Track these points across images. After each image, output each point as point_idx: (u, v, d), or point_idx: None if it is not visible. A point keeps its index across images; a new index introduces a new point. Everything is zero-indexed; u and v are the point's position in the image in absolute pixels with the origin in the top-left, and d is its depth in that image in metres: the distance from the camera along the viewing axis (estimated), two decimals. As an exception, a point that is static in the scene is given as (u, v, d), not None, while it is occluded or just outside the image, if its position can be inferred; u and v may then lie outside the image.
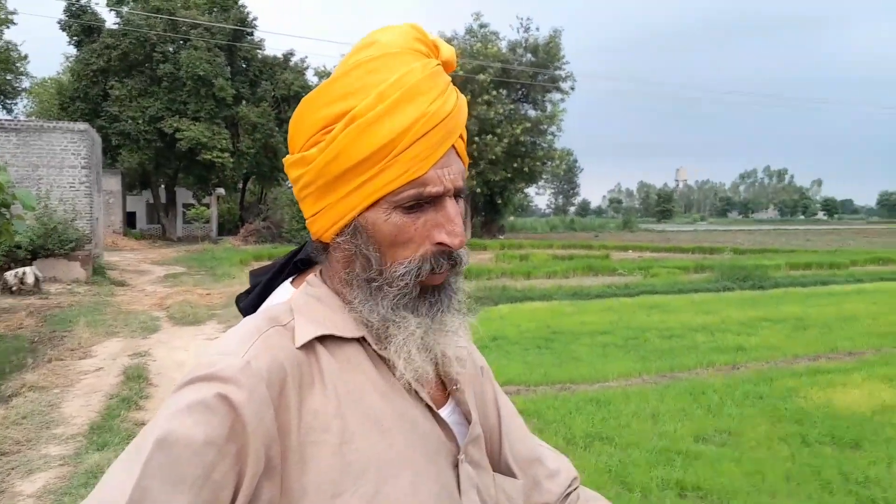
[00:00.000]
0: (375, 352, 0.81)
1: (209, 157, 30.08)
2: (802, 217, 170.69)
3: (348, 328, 0.80)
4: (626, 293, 13.78)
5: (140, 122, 30.19)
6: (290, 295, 1.54)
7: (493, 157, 32.87)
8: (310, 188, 0.80)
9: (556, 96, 36.91)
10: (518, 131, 33.10)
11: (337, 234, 0.81)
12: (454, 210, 0.79)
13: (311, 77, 36.98)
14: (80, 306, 11.17)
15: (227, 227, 39.03)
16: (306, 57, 36.87)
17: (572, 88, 37.09)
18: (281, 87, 33.52)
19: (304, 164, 0.80)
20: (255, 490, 0.69)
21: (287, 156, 0.85)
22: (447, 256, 0.79)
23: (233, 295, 11.96)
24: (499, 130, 33.17)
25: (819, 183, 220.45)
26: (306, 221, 0.85)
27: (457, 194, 0.81)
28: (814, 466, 4.38)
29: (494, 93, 33.29)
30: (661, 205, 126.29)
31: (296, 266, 1.62)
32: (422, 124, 0.76)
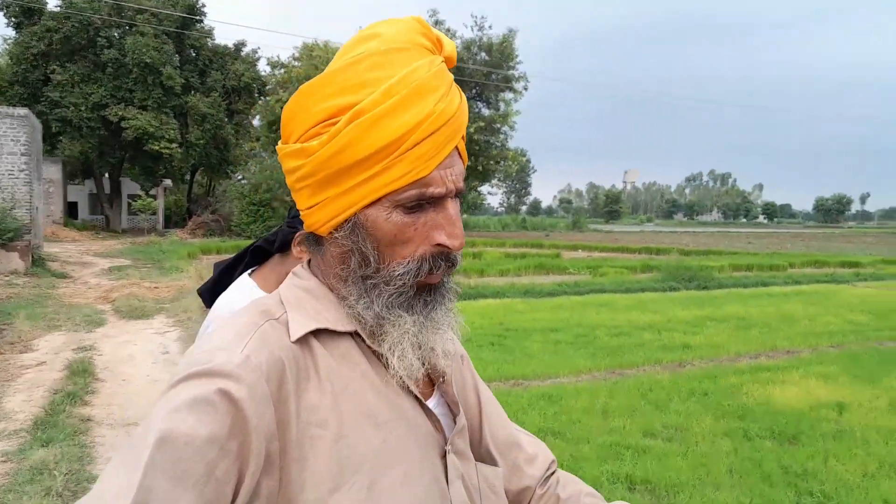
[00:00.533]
0: (368, 346, 0.81)
1: (156, 147, 29.31)
2: (744, 220, 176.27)
3: (341, 322, 0.80)
4: (577, 291, 14.02)
5: (83, 108, 29.20)
6: (245, 284, 1.53)
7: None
8: (307, 180, 0.79)
9: (510, 96, 37.20)
10: (472, 130, 33.23)
11: (334, 229, 0.80)
12: (455, 212, 0.79)
13: (263, 68, 36.40)
14: (19, 299, 10.77)
15: (174, 220, 38.13)
16: (259, 48, 36.22)
17: (525, 89, 37.46)
18: (232, 77, 32.89)
19: (303, 155, 0.78)
20: (255, 486, 0.69)
21: (279, 143, 0.83)
22: (445, 257, 0.79)
23: (181, 288, 11.72)
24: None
25: (760, 188, 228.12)
26: (300, 212, 0.84)
27: (457, 195, 0.80)
28: (755, 460, 4.56)
29: (449, 90, 33.33)
30: (610, 206, 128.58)
31: (253, 256, 1.63)
32: (429, 123, 0.75)
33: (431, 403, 0.87)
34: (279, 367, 0.72)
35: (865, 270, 20.63)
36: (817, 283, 17.06)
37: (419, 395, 0.84)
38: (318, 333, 0.78)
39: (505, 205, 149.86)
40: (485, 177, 35.60)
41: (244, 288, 1.52)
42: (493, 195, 49.05)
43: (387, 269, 0.78)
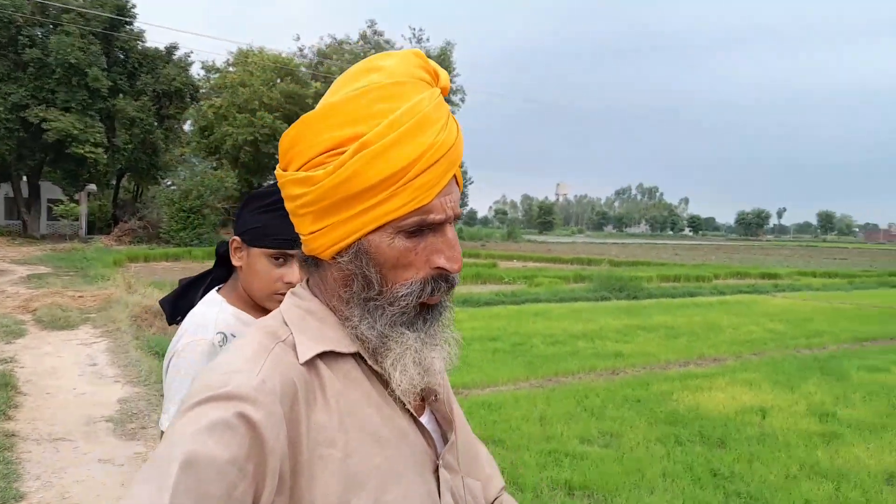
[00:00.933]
0: (369, 367, 0.84)
1: (81, 150, 28.07)
2: (671, 232, 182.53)
3: (344, 343, 0.83)
4: (513, 301, 14.22)
5: (0, 109, 27.76)
6: (214, 299, 1.53)
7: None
8: (310, 207, 0.81)
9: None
10: (408, 139, 33.33)
11: (337, 254, 0.82)
12: (454, 236, 0.83)
13: (197, 71, 35.54)
14: (-72, 308, 10.14)
15: (99, 226, 36.61)
16: (191, 52, 35.16)
17: (462, 101, 37.85)
18: (163, 81, 31.90)
19: (307, 183, 0.80)
20: None
21: (278, 169, 0.86)
22: (445, 279, 0.82)
23: (108, 297, 11.28)
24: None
25: (686, 201, 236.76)
26: (301, 237, 0.86)
27: (455, 220, 0.84)
28: (686, 464, 4.74)
29: (386, 100, 33.35)
30: (543, 217, 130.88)
31: (219, 269, 1.63)
32: (431, 154, 0.78)
33: (424, 420, 0.91)
34: (292, 389, 0.75)
35: (783, 282, 21.71)
36: (740, 294, 17.84)
37: (415, 414, 0.87)
38: (322, 354, 0.81)
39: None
40: (421, 187, 35.68)
41: (213, 303, 1.54)
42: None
43: (390, 292, 0.81)
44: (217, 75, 37.16)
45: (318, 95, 33.47)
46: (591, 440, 5.26)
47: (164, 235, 28.75)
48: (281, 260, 1.50)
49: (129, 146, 30.84)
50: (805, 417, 5.99)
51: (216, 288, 1.61)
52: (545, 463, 4.70)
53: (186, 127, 38.19)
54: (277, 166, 0.86)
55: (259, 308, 1.55)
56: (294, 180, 0.81)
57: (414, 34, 36.42)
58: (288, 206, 0.85)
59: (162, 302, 1.66)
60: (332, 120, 0.79)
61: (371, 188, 0.77)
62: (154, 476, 0.66)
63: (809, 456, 5.00)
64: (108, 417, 5.35)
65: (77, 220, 32.60)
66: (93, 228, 35.92)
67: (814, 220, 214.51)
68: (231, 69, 37.35)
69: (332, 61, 34.38)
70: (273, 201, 1.46)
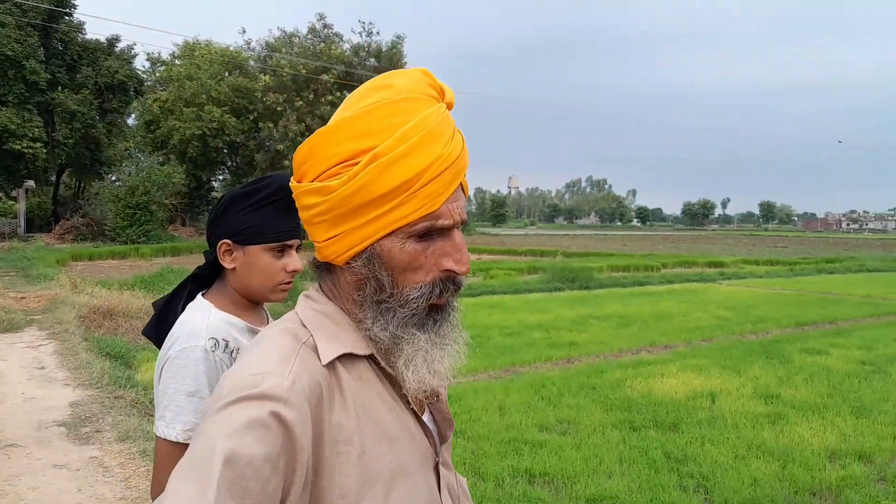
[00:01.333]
0: (381, 368, 0.89)
1: (18, 146, 27.03)
2: (619, 223, 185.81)
3: (360, 345, 0.88)
4: (469, 293, 14.31)
5: (-69, 103, 26.52)
6: (202, 304, 1.52)
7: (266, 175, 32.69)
8: (325, 216, 0.86)
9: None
10: (361, 133, 33.08)
11: (351, 259, 0.87)
12: (461, 240, 0.89)
13: (142, 63, 34.56)
14: None
15: (38, 224, 35.30)
16: (134, 44, 34.23)
17: (414, 94, 37.74)
18: (104, 74, 30.88)
19: (322, 193, 0.85)
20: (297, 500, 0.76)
21: (293, 181, 0.90)
22: (453, 281, 0.88)
23: (54, 298, 10.94)
24: (342, 131, 32.92)
25: (634, 193, 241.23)
26: (315, 244, 0.91)
27: (462, 225, 0.90)
28: (641, 449, 4.89)
29: (338, 94, 33.06)
30: (496, 210, 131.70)
31: (196, 283, 1.62)
32: (438, 164, 0.84)
33: (424, 419, 0.95)
34: (318, 389, 0.80)
35: (729, 270, 22.37)
36: (688, 282, 18.33)
37: (419, 413, 0.93)
38: (340, 356, 0.86)
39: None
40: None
41: (202, 308, 1.52)
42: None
43: (401, 294, 0.86)
44: (163, 68, 36.19)
45: (268, 89, 32.99)
46: (550, 428, 5.37)
47: (110, 233, 27.95)
48: (281, 252, 1.51)
49: (70, 141, 29.79)
50: (752, 400, 6.23)
51: (201, 293, 1.60)
52: (506, 452, 4.78)
53: (130, 121, 37.11)
54: (292, 178, 0.92)
55: (250, 308, 1.56)
56: (309, 190, 0.87)
57: (364, 28, 36.18)
58: (303, 215, 0.90)
59: (145, 332, 1.66)
60: (346, 133, 0.84)
61: (383, 196, 0.83)
62: (195, 475, 0.69)
63: (757, 436, 5.21)
64: (61, 422, 5.22)
65: (15, 217, 31.41)
66: (32, 226, 34.61)
67: (756, 210, 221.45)
68: (177, 62, 36.43)
69: (281, 55, 33.85)
70: (262, 198, 1.48)
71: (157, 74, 36.30)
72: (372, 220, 0.84)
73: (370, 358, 0.89)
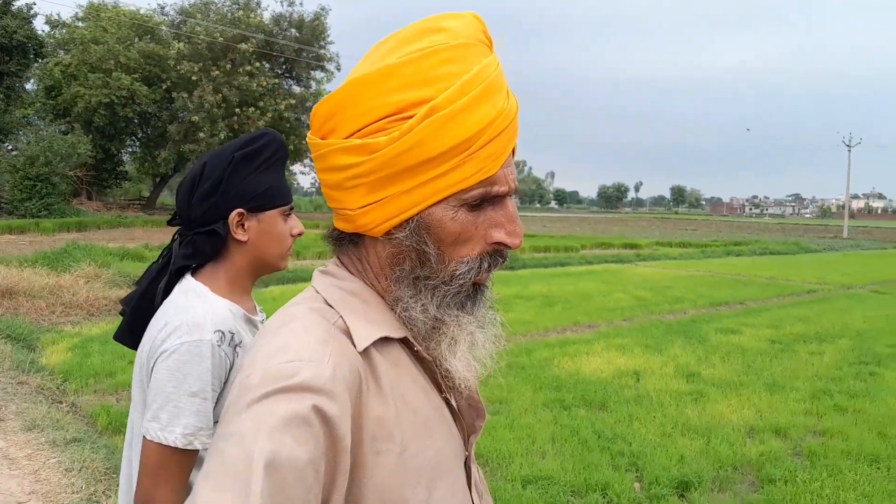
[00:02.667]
0: (415, 352, 0.79)
1: None
2: (538, 205, 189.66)
3: (395, 327, 0.78)
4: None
5: None
6: (192, 287, 1.32)
7: (256, 131, 31.55)
8: (366, 178, 0.74)
9: (321, 75, 36.48)
10: (282, 107, 32.16)
11: (394, 228, 0.76)
12: (514, 210, 0.79)
13: (41, 26, 32.21)
14: None
15: (-76, 195, 32.62)
16: (34, 3, 31.75)
17: (338, 69, 36.92)
18: (1, 34, 28.66)
19: (364, 151, 0.73)
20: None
21: (313, 138, 0.78)
22: (501, 255, 0.79)
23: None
24: (261, 104, 31.92)
25: (552, 175, 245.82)
26: (344, 213, 0.78)
27: (514, 193, 0.81)
28: (573, 428, 4.94)
29: (257, 64, 31.91)
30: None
31: (179, 275, 1.39)
32: (499, 122, 0.74)
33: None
34: (357, 379, 0.71)
35: (644, 251, 23.17)
36: (606, 263, 18.86)
37: (454, 403, 0.84)
38: (375, 341, 0.76)
39: (316, 185, 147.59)
40: (296, 156, 34.64)
41: (198, 293, 1.31)
42: (305, 175, 47.87)
43: (448, 269, 0.77)
44: (64, 31, 33.87)
45: (182, 57, 31.46)
46: (482, 409, 5.34)
47: (7, 206, 26.12)
48: (287, 215, 1.39)
49: (-39, 105, 27.59)
50: (674, 378, 6.42)
51: (189, 272, 1.37)
52: (439, 434, 4.72)
53: (29, 86, 34.64)
54: (311, 135, 0.78)
55: (246, 293, 1.39)
56: (345, 149, 0.74)
57: (286, -3, 34.94)
58: (329, 178, 0.78)
59: (117, 337, 1.43)
60: (394, 82, 0.72)
61: (439, 156, 0.72)
62: (231, 481, 0.58)
63: (681, 414, 5.36)
64: (-45, 409, 4.79)
65: None
66: (-83, 197, 31.96)
67: (667, 194, 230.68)
68: (80, 24, 34.18)
69: (196, 20, 32.29)
70: (269, 156, 1.34)
71: (57, 38, 33.91)
72: (423, 184, 0.73)
73: (402, 341, 0.79)
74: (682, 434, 4.92)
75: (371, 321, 0.76)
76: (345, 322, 0.74)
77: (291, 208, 1.41)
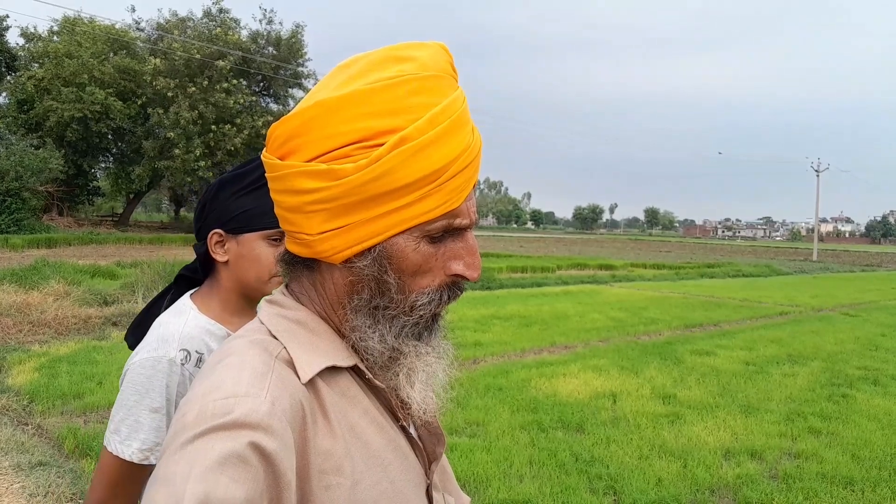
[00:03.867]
0: (365, 381, 0.78)
1: None
2: (515, 225, 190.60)
3: (341, 356, 0.76)
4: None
5: None
6: (185, 306, 1.34)
7: (232, 149, 31.36)
8: (328, 203, 0.72)
9: (299, 93, 36.43)
10: (259, 124, 32.02)
11: (355, 256, 0.75)
12: (475, 242, 0.79)
13: (14, 39, 31.79)
14: None
15: None
16: (6, 15, 31.40)
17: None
18: (-29, 46, 28.27)
19: (330, 177, 0.71)
20: None
21: (271, 158, 0.76)
22: (459, 287, 0.79)
23: None
24: (238, 121, 31.76)
25: (529, 196, 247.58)
26: (301, 237, 0.76)
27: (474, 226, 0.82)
28: (550, 450, 4.91)
29: (235, 81, 31.79)
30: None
31: (178, 287, 1.44)
32: (466, 156, 0.75)
33: (415, 435, 0.86)
34: (300, 412, 0.68)
35: (619, 272, 23.33)
36: (582, 284, 18.92)
37: (413, 433, 0.82)
38: (321, 371, 0.74)
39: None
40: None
41: (182, 311, 1.34)
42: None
43: (406, 300, 0.76)
44: (39, 44, 33.46)
45: (158, 72, 31.23)
46: (459, 431, 5.30)
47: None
48: (277, 240, 1.38)
49: (-71, 118, 27.06)
50: (651, 400, 6.43)
51: (190, 292, 1.41)
52: (416, 457, 4.66)
53: (1, 100, 34.13)
54: (266, 153, 0.76)
55: (241, 314, 1.39)
56: (308, 172, 0.72)
57: (265, 14, 34.98)
58: (289, 201, 0.75)
59: (126, 337, 1.47)
60: (363, 109, 0.71)
61: (406, 187, 0.72)
62: None
63: (658, 436, 5.36)
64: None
65: None
66: None
67: (641, 216, 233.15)
68: (55, 38, 33.82)
69: (173, 37, 32.13)
70: (255, 179, 1.34)
71: (31, 51, 33.50)
72: (388, 214, 0.73)
73: (353, 370, 0.78)
74: (660, 456, 4.92)
75: (317, 351, 0.74)
76: (289, 353, 0.73)
77: (282, 233, 1.41)
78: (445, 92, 0.75)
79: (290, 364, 0.72)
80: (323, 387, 0.73)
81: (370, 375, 0.77)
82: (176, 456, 0.59)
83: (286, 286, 0.83)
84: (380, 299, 0.76)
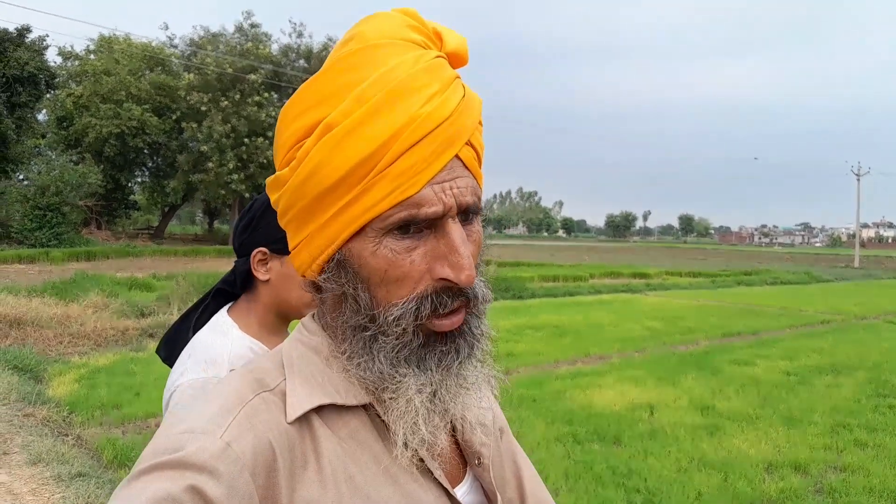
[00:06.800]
0: (383, 420, 0.67)
1: (-86, 139, 25.14)
2: (546, 234, 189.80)
3: (352, 392, 0.66)
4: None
5: None
6: (222, 322, 1.32)
7: (265, 161, 31.83)
8: (287, 215, 0.68)
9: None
10: (290, 137, 32.45)
11: (320, 271, 0.68)
12: (458, 236, 0.64)
13: (53, 57, 32.75)
14: None
15: (-64, 224, 32.89)
16: (47, 35, 32.31)
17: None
18: (13, 66, 29.09)
19: (278, 185, 0.67)
20: None
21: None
22: (453, 294, 0.64)
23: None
24: (270, 134, 32.20)
25: (561, 204, 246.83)
26: (291, 253, 0.72)
27: (466, 213, 0.66)
28: (586, 463, 4.82)
29: (266, 95, 32.29)
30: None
31: (216, 301, 1.43)
32: (411, 131, 0.61)
33: (461, 491, 0.73)
34: (267, 455, 0.60)
35: (653, 281, 23.01)
36: (616, 293, 18.70)
37: (446, 484, 0.69)
38: (321, 408, 0.65)
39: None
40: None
41: (224, 329, 1.32)
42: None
43: (383, 315, 0.64)
44: (76, 63, 34.39)
45: (192, 88, 31.88)
46: (493, 443, 5.24)
47: (17, 235, 26.27)
48: None
49: (-25, 136, 27.94)
50: (689, 412, 6.29)
51: (227, 306, 1.40)
52: (450, 469, 4.62)
53: (41, 117, 35.12)
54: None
55: (277, 331, 1.38)
56: (269, 183, 0.69)
57: (295, 28, 35.55)
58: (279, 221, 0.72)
59: (158, 349, 1.46)
60: (300, 105, 0.65)
61: (340, 181, 0.62)
62: None
63: (697, 449, 5.23)
64: (-41, 442, 4.72)
65: (-90, 217, 29.11)
66: (-71, 227, 32.22)
67: (675, 223, 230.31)
68: (92, 56, 34.74)
69: (206, 52, 32.80)
70: None
71: (69, 69, 34.43)
72: (334, 216, 0.64)
73: (368, 408, 0.67)
74: (699, 469, 4.80)
75: (321, 385, 0.66)
76: (286, 385, 0.65)
77: None
78: (385, 61, 0.63)
79: (285, 397, 0.65)
80: (320, 427, 0.64)
81: (385, 417, 0.67)
82: (121, 491, 0.56)
83: (314, 312, 0.75)
84: (357, 317, 0.66)
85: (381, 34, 0.65)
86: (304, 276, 0.71)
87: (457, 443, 0.76)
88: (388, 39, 0.65)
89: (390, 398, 0.65)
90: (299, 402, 0.64)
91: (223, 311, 1.38)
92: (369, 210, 0.62)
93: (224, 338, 1.30)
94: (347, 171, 0.62)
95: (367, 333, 0.65)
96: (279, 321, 1.39)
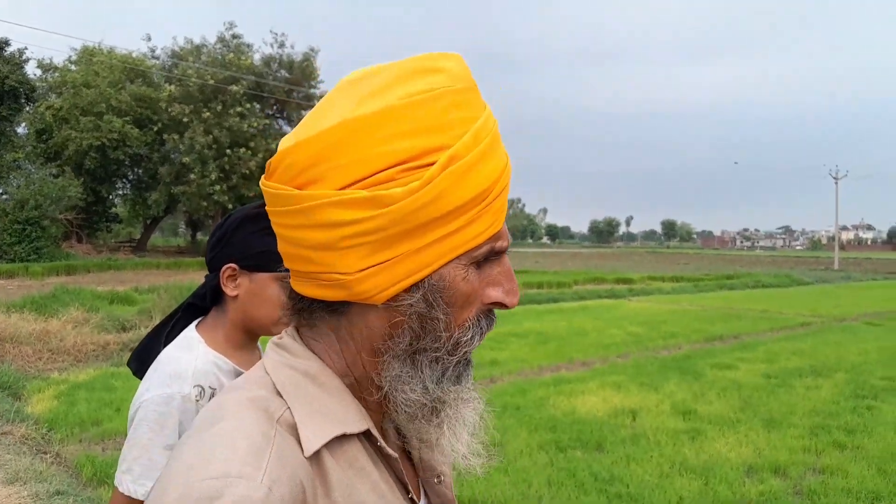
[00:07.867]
0: (377, 448, 0.69)
1: None
2: (530, 241, 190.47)
3: (353, 419, 0.67)
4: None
5: None
6: (190, 338, 1.32)
7: (247, 172, 31.69)
8: (372, 236, 0.63)
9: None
10: (274, 146, 32.27)
11: (400, 294, 0.66)
12: (510, 266, 0.72)
13: (32, 70, 32.46)
14: None
15: (-87, 240, 32.37)
16: (25, 48, 32.05)
17: (328, 108, 37.24)
18: (-7, 79, 28.83)
19: (377, 205, 0.62)
20: None
21: (299, 189, 0.65)
22: (492, 317, 0.71)
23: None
24: (253, 144, 32.13)
25: (545, 211, 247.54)
26: (334, 277, 0.66)
27: None
28: (569, 470, 4.84)
29: (248, 105, 32.19)
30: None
31: (185, 316, 1.44)
32: (507, 173, 0.69)
33: None
34: (299, 495, 0.58)
35: (637, 286, 23.13)
36: (599, 299, 18.81)
37: (415, 500, 0.73)
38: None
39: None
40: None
41: (190, 345, 1.32)
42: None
43: (452, 338, 0.68)
44: (56, 74, 34.11)
45: (173, 99, 31.69)
46: (475, 452, 5.24)
47: (-4, 250, 25.95)
48: None
49: (-48, 150, 27.60)
50: (671, 416, 6.34)
51: (195, 322, 1.40)
52: (433, 479, 4.62)
53: (20, 130, 34.76)
54: (280, 184, 0.67)
55: (243, 347, 1.38)
56: (345, 202, 0.62)
57: (276, 38, 35.47)
58: (318, 236, 0.64)
59: (129, 363, 1.47)
60: (402, 126, 0.63)
61: (457, 209, 0.64)
62: None
63: (678, 453, 5.27)
64: (-65, 462, 4.65)
65: None
66: None
67: (658, 228, 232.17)
68: (73, 68, 34.47)
69: (187, 63, 32.66)
70: None
71: (49, 82, 34.13)
72: (438, 241, 0.64)
73: (364, 435, 0.68)
74: (680, 474, 4.83)
75: (326, 415, 0.65)
76: (292, 416, 0.64)
77: None
78: (481, 105, 0.69)
79: (293, 429, 0.63)
80: (328, 458, 0.64)
81: (383, 443, 0.68)
82: None
83: (297, 329, 0.73)
84: (423, 340, 0.67)
85: (466, 77, 0.69)
86: (368, 300, 0.66)
87: (411, 461, 0.78)
88: (473, 83, 0.70)
89: (442, 414, 0.69)
90: (314, 436, 0.63)
91: (192, 325, 1.39)
92: (472, 240, 0.66)
93: (189, 353, 1.30)
94: (466, 201, 0.64)
95: (433, 354, 0.67)
96: (246, 337, 1.39)
